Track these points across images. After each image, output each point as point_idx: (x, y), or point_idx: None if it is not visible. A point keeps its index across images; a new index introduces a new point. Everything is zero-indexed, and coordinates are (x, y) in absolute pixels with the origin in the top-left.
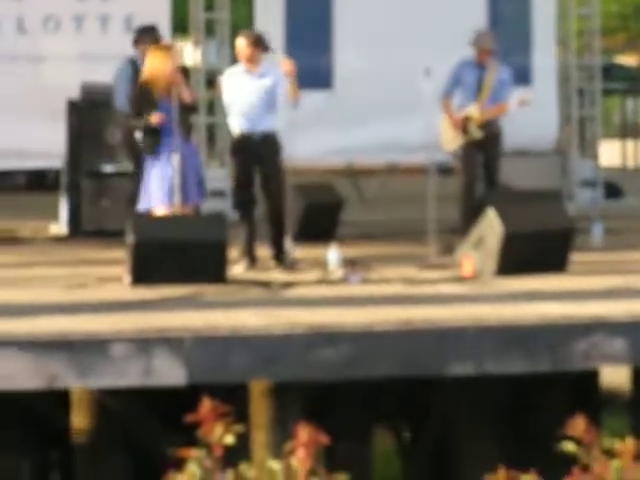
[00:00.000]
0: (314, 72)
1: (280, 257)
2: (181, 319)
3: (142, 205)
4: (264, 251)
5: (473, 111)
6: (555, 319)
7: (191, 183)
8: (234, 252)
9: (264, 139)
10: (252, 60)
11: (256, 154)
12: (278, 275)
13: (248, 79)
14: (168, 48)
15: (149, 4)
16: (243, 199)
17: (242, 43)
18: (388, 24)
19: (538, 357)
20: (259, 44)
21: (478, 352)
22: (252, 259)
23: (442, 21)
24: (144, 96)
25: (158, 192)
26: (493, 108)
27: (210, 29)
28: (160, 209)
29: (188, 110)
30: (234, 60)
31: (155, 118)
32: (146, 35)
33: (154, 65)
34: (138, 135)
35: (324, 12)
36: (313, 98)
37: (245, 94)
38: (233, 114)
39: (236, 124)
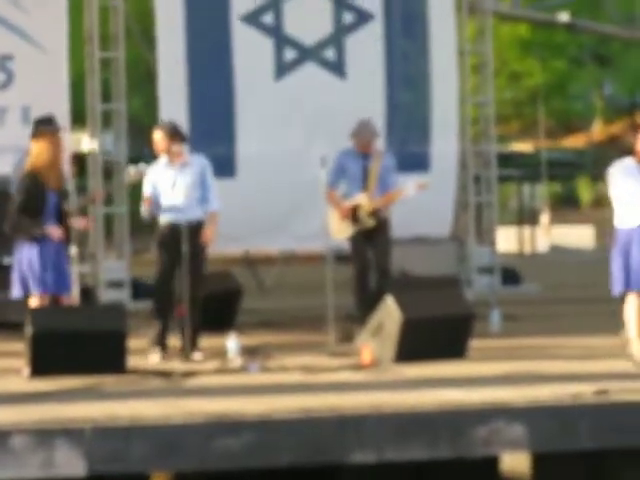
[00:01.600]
0: (218, 161)
1: (193, 349)
2: (81, 410)
3: (17, 292)
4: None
5: (362, 200)
6: (455, 405)
7: (67, 273)
8: (134, 342)
9: (191, 229)
10: (170, 152)
11: (180, 245)
12: (178, 365)
13: (172, 171)
14: (51, 138)
15: (47, 95)
16: (164, 289)
17: (158, 136)
18: (287, 112)
19: (439, 443)
20: (176, 135)
21: (379, 439)
22: (164, 349)
23: (340, 109)
24: (31, 187)
25: (35, 279)
26: (384, 196)
27: (107, 120)
28: (38, 297)
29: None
30: (132, 151)
31: (55, 233)
32: (44, 127)
33: (41, 155)
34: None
35: (226, 103)
36: (217, 186)
37: (170, 187)
38: (156, 205)
39: (163, 216)
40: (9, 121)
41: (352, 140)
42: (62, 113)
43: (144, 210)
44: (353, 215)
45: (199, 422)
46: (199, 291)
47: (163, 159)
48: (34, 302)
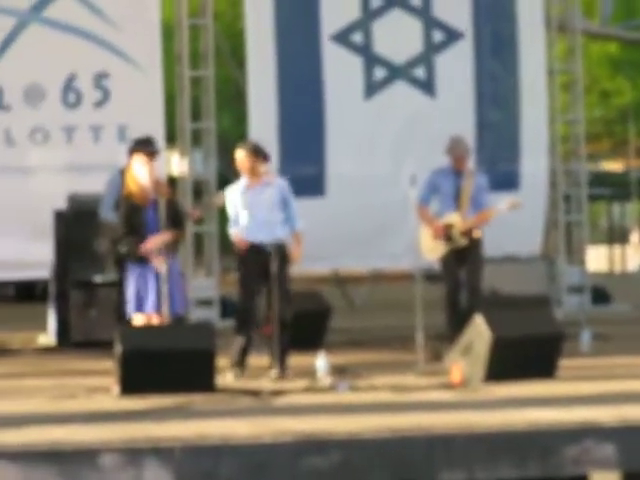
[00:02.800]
0: (307, 180)
1: (282, 368)
2: (170, 429)
3: (128, 313)
4: (254, 360)
5: (455, 219)
6: (545, 425)
7: (175, 293)
8: (223, 360)
9: (274, 249)
10: (254, 171)
11: (265, 264)
12: (267, 384)
13: (253, 191)
14: (148, 158)
15: (142, 113)
16: (247, 308)
17: (242, 154)
18: (377, 131)
19: (528, 463)
20: (259, 154)
21: (468, 459)
22: (243, 368)
23: (430, 127)
24: (129, 206)
25: (143, 300)
26: (478, 215)
27: (197, 139)
28: (144, 318)
29: (178, 223)
30: (221, 169)
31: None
32: (142, 146)
33: (135, 175)
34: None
35: (316, 122)
36: (306, 205)
37: (253, 207)
38: (240, 226)
39: (246, 236)
40: (104, 139)
41: (447, 156)
42: (157, 131)
43: (231, 232)
44: (446, 234)
45: (288, 441)
46: (287, 311)
47: (244, 179)
48: (138, 321)
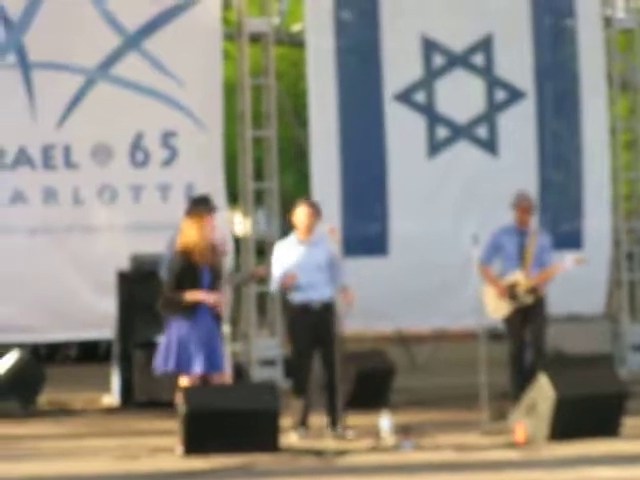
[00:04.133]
0: (370, 239)
1: (336, 426)
2: None
3: (167, 366)
4: (316, 419)
5: (519, 277)
6: None
7: (220, 351)
8: (287, 420)
9: (323, 308)
10: (310, 229)
11: (315, 323)
12: (331, 443)
13: (304, 249)
14: (201, 217)
15: (207, 173)
16: (301, 368)
17: (305, 212)
18: (440, 190)
19: None
20: (319, 214)
21: None
22: (306, 427)
23: (492, 187)
24: (183, 265)
25: (192, 357)
26: (541, 274)
27: (259, 198)
28: (191, 375)
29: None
30: (284, 229)
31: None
32: (199, 205)
33: (186, 235)
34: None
35: (379, 181)
36: (368, 264)
37: (303, 264)
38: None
39: (296, 294)
40: (172, 198)
41: (512, 210)
42: (219, 191)
43: (275, 286)
44: (510, 293)
45: None
46: (335, 369)
47: (294, 236)
48: (184, 381)
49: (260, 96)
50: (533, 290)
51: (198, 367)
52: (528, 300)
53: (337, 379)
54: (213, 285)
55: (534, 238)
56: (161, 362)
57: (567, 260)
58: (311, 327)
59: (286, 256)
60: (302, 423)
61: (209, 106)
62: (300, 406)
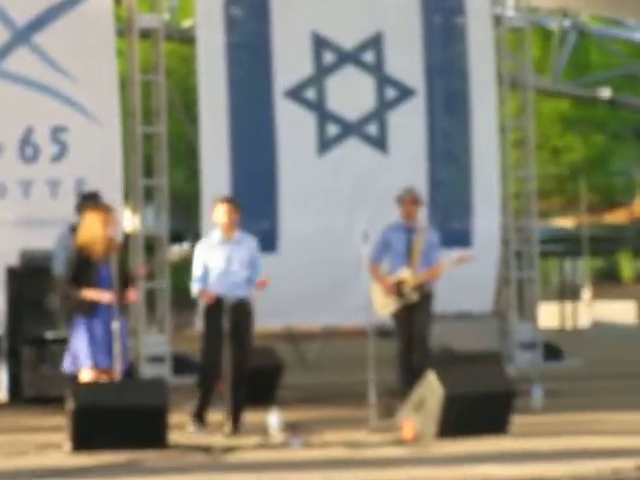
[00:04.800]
0: (260, 236)
1: (238, 423)
2: None
3: (69, 366)
4: (216, 416)
5: (406, 274)
6: None
7: (124, 349)
8: (176, 417)
9: (237, 304)
10: (232, 226)
11: (229, 319)
12: (219, 440)
13: (226, 247)
14: (105, 211)
15: (100, 168)
16: (210, 363)
17: (225, 210)
18: (330, 188)
19: None
20: (239, 209)
21: None
22: (203, 423)
23: (382, 184)
24: (81, 261)
25: (91, 354)
26: (428, 271)
27: (149, 194)
28: (93, 373)
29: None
30: (173, 226)
31: (104, 297)
32: (89, 201)
33: (90, 229)
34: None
35: (269, 178)
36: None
37: (224, 262)
38: (208, 281)
39: (213, 290)
40: (62, 194)
41: (398, 206)
42: (115, 187)
43: (195, 291)
44: (397, 290)
45: None
46: (244, 367)
47: (216, 234)
48: (85, 377)
49: (150, 92)
50: (419, 287)
51: (99, 363)
52: (414, 297)
53: (244, 378)
54: (111, 282)
55: (422, 235)
56: (68, 362)
57: (453, 257)
58: (223, 323)
59: (208, 255)
60: (200, 418)
61: (103, 102)
62: (199, 401)
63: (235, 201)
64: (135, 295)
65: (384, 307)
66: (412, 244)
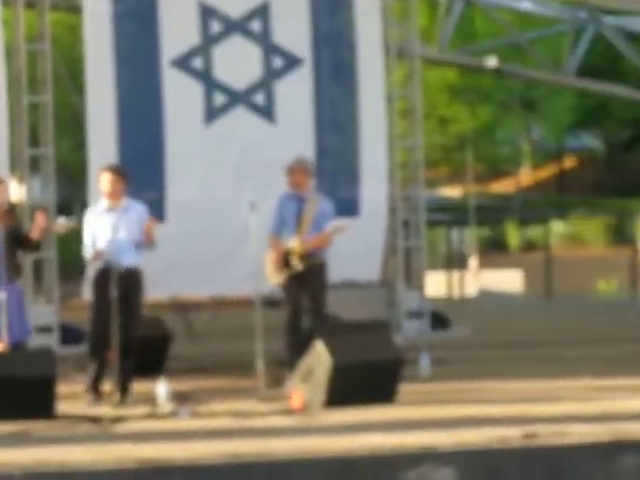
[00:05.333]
0: (147, 205)
1: (127, 391)
2: (10, 455)
3: None
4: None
5: (294, 244)
6: (384, 450)
7: (15, 319)
8: (64, 387)
9: (128, 273)
10: (117, 195)
11: (119, 288)
12: (107, 410)
13: (113, 215)
14: None
15: None
16: (99, 333)
17: (108, 179)
18: (217, 157)
19: None
20: (125, 178)
21: None
22: (98, 394)
23: (270, 154)
24: None
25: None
26: (313, 240)
27: (35, 164)
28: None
29: (28, 247)
30: (60, 195)
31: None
32: None
33: None
34: None
35: (156, 147)
36: None
37: (111, 230)
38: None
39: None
40: None
41: (287, 175)
42: (0, 157)
43: (87, 256)
44: (285, 259)
45: (129, 467)
46: (132, 336)
47: (104, 202)
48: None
49: (35, 61)
50: (307, 257)
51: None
52: (299, 267)
53: (134, 347)
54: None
55: (312, 204)
56: None
57: (328, 228)
58: (111, 292)
59: (95, 223)
60: (94, 389)
61: None
62: (92, 372)
63: (120, 169)
64: (43, 221)
65: (274, 276)
66: (302, 213)
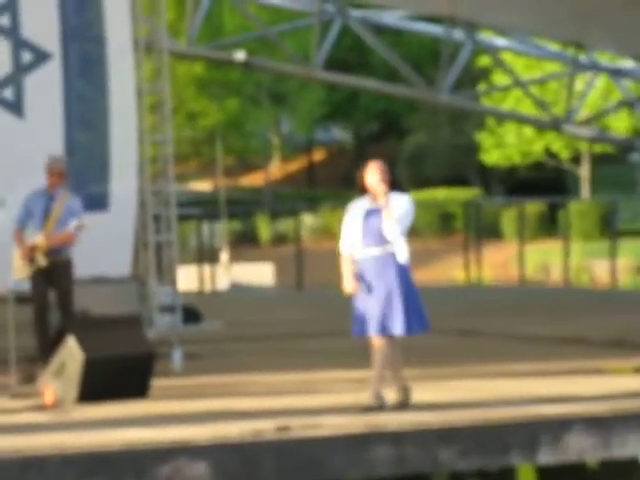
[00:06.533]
0: None
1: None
2: None
3: None
4: None
5: (38, 240)
6: (137, 444)
7: None
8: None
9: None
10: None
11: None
12: None
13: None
14: None
15: None
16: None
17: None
18: None
19: None
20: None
21: None
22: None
23: (19, 150)
24: None
25: None
26: (56, 237)
27: None
28: None
29: None
30: None
31: None
32: None
33: None
34: None
35: None
36: None
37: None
38: None
39: None
40: None
41: (46, 174)
42: None
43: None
44: (30, 255)
45: None
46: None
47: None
48: None
49: None
50: (51, 253)
51: None
52: (43, 263)
53: None
54: None
55: (62, 201)
56: None
57: (70, 225)
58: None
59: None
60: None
61: None
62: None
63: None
64: None
65: (19, 271)
66: (50, 211)
